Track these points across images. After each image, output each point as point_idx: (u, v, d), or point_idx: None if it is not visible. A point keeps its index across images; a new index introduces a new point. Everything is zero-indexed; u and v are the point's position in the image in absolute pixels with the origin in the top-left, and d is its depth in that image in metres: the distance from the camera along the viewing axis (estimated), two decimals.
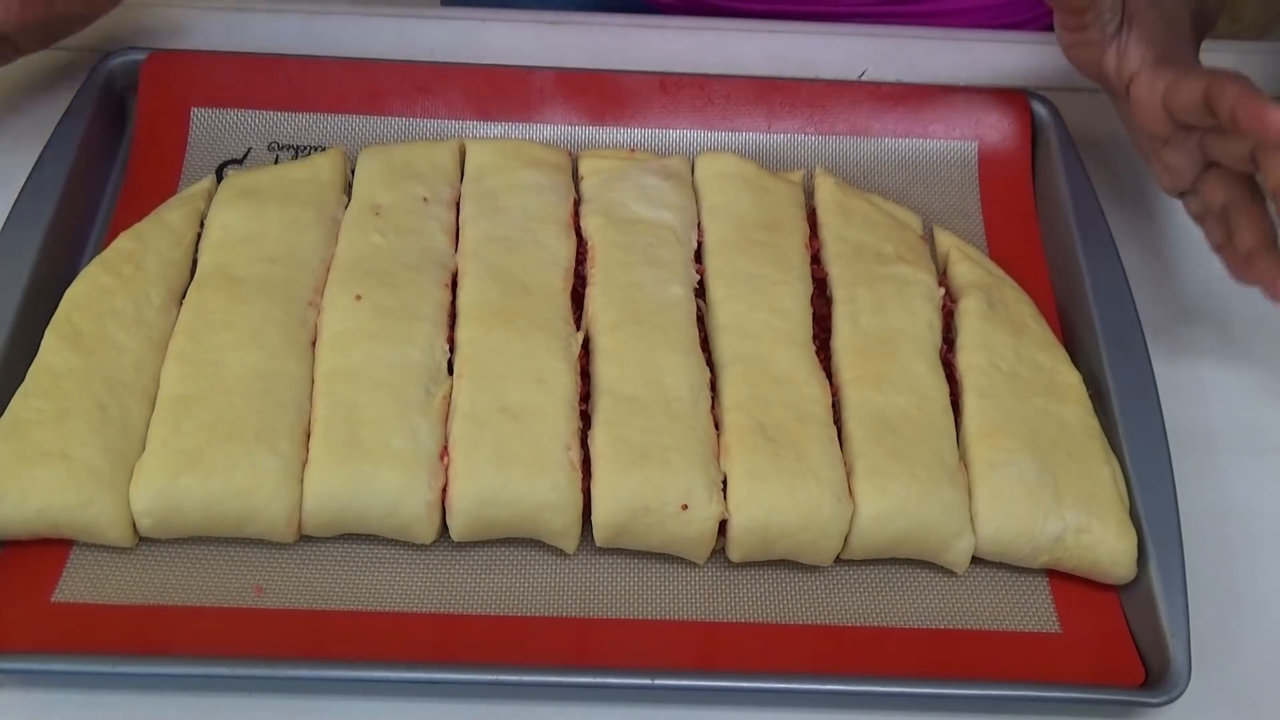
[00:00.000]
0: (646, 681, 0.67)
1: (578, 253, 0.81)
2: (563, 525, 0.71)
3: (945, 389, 0.76)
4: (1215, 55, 1.00)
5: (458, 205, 0.83)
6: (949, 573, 0.74)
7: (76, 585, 0.70)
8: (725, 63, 0.97)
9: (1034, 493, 0.72)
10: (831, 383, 0.76)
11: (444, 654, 0.69)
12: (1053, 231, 0.87)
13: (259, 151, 0.88)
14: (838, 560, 0.73)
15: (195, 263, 0.80)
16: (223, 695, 0.68)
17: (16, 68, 0.88)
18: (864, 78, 0.95)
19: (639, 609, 0.71)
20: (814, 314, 0.79)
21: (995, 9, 1.12)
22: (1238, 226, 0.76)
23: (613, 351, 0.75)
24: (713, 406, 0.74)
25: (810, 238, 0.83)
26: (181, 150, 0.87)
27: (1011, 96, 0.92)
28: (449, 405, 0.73)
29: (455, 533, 0.71)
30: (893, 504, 0.71)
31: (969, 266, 0.83)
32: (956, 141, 0.91)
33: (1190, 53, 0.82)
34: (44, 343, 0.74)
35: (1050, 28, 0.86)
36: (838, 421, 0.75)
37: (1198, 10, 0.86)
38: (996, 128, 0.91)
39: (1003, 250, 0.87)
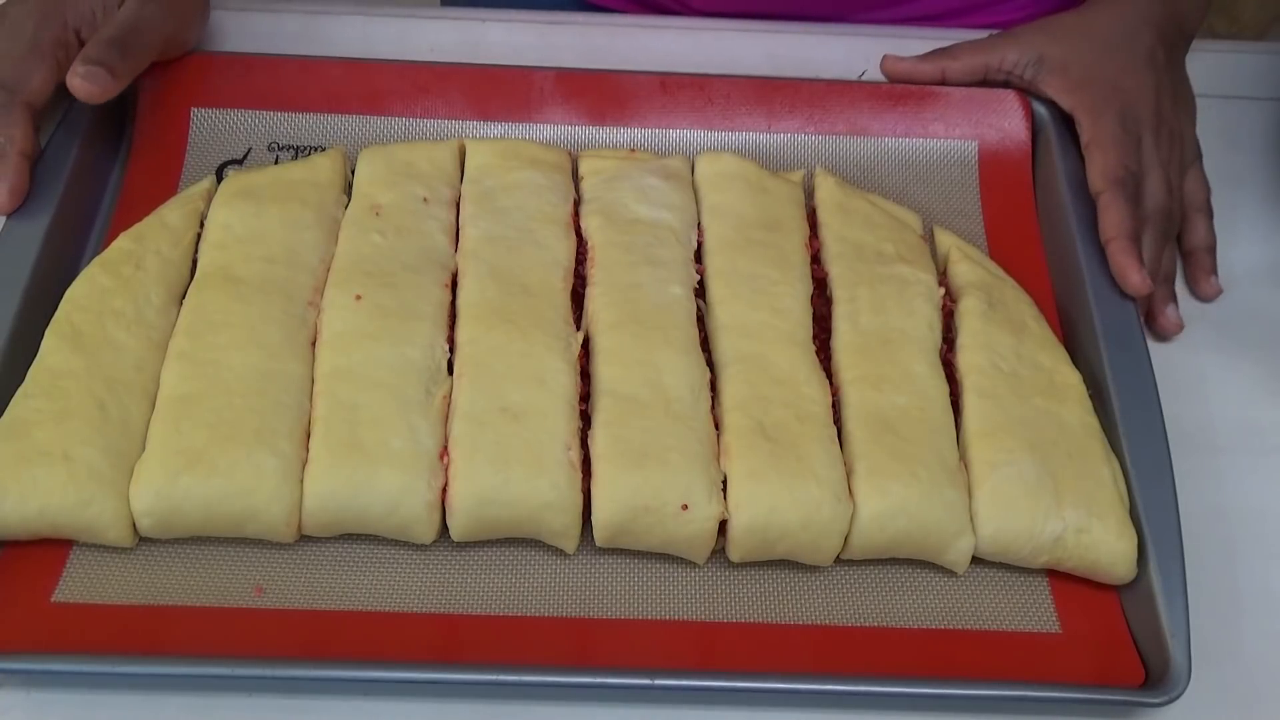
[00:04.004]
0: (646, 681, 0.67)
1: (578, 253, 0.81)
2: (563, 525, 0.71)
3: (945, 389, 0.76)
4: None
5: (458, 205, 0.83)
6: (949, 573, 0.74)
7: (76, 585, 0.70)
8: (725, 63, 0.96)
9: (1034, 493, 0.72)
10: (831, 383, 0.76)
11: (444, 654, 0.69)
12: (1053, 231, 0.87)
13: (259, 152, 0.88)
14: (838, 560, 0.73)
15: (195, 263, 0.80)
16: (222, 695, 0.68)
17: None
18: (864, 78, 0.95)
19: (639, 609, 0.71)
20: (814, 314, 0.79)
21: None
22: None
23: (613, 351, 0.75)
24: (713, 406, 0.74)
25: (810, 238, 0.83)
26: (181, 150, 0.87)
27: (1012, 96, 0.92)
28: (449, 405, 0.73)
29: (455, 533, 0.71)
30: (893, 504, 0.71)
31: (969, 266, 0.83)
32: (956, 141, 0.91)
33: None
34: (44, 343, 0.74)
35: None
36: (838, 421, 0.75)
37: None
38: (996, 128, 0.91)
39: (1003, 250, 0.87)
